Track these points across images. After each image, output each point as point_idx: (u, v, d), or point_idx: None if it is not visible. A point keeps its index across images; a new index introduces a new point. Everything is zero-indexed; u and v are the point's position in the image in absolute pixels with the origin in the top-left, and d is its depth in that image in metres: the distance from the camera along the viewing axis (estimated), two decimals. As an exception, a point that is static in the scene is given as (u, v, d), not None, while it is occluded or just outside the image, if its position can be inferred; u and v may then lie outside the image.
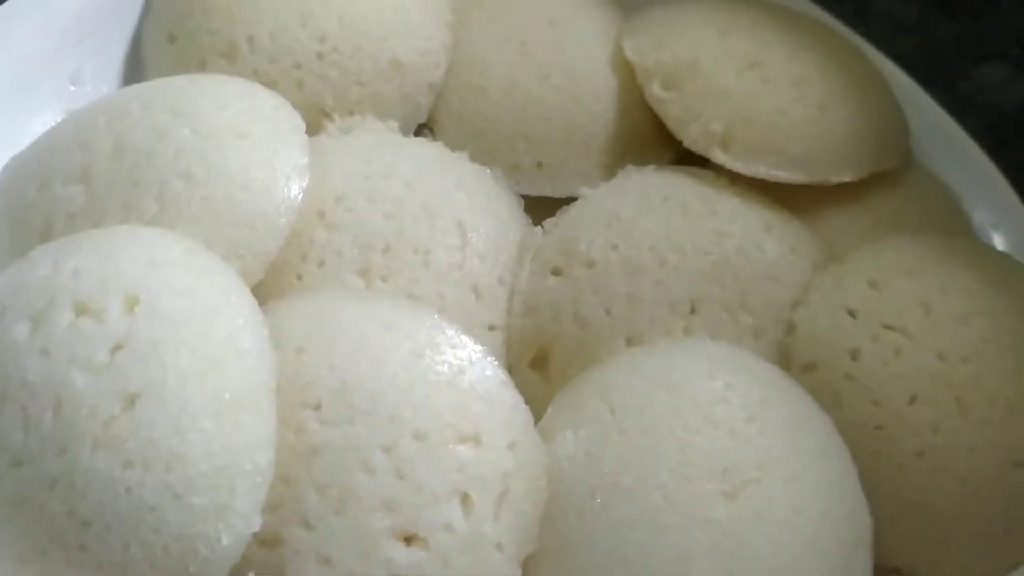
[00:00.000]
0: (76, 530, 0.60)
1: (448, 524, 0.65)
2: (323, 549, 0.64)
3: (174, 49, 0.87)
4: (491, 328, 0.78)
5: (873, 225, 0.86)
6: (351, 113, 0.86)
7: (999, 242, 0.90)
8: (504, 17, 0.92)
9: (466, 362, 0.69)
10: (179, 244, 0.68)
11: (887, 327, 0.77)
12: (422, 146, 0.85)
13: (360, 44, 0.86)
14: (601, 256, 0.80)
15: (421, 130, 0.90)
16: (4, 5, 0.84)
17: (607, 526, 0.67)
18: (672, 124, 0.86)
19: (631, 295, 0.78)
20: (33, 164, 0.78)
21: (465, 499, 0.66)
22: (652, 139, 0.88)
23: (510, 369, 0.78)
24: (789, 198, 0.85)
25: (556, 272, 0.80)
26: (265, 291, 0.72)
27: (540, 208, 0.86)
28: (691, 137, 0.85)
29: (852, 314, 0.79)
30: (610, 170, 0.87)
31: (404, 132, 0.87)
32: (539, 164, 0.87)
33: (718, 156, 0.84)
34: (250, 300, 0.67)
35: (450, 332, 0.70)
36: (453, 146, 0.86)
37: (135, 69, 0.90)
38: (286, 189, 0.74)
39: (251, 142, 0.75)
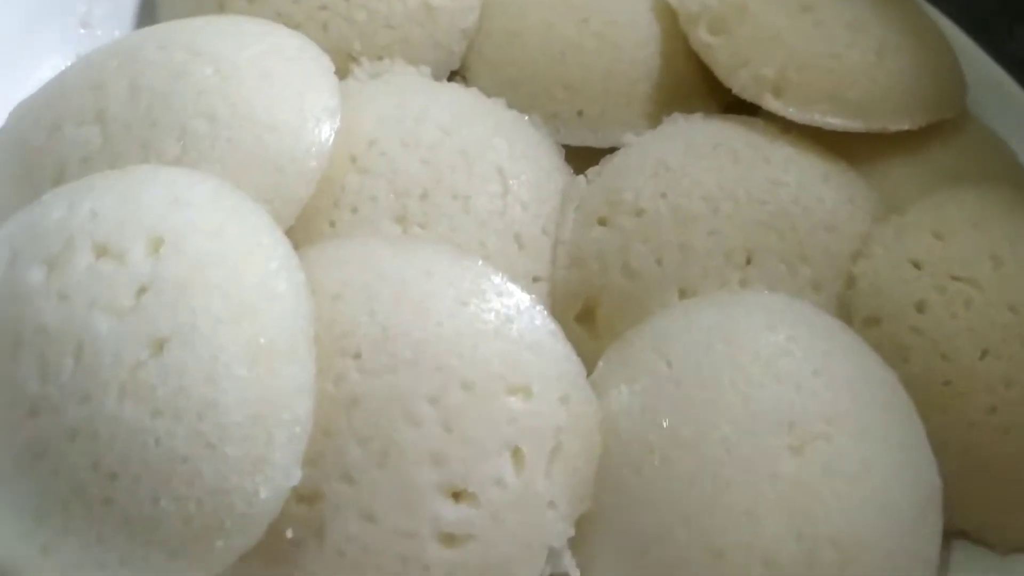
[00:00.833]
0: (101, 483, 0.57)
1: (499, 479, 0.62)
2: (366, 504, 0.61)
3: (189, -11, 0.83)
4: (535, 280, 0.74)
5: (931, 176, 0.82)
6: (380, 58, 0.82)
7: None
8: (540, -41, 0.88)
9: (514, 311, 0.66)
10: (205, 183, 0.64)
11: (955, 278, 0.74)
12: (456, 91, 0.82)
13: (389, -16, 0.82)
14: (650, 205, 0.76)
15: (453, 78, 0.87)
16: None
17: (666, 482, 0.64)
18: (720, 71, 0.82)
19: (683, 245, 0.74)
20: (42, 108, 0.74)
21: (516, 453, 0.63)
22: (698, 87, 0.85)
23: (554, 324, 0.74)
24: (844, 148, 0.81)
25: (602, 222, 0.77)
26: (296, 239, 0.68)
27: (581, 158, 0.82)
28: (741, 84, 0.81)
29: (917, 265, 0.75)
30: (654, 120, 0.83)
31: (436, 79, 0.84)
32: (579, 113, 0.83)
33: (770, 103, 0.80)
34: (284, 241, 0.63)
35: (496, 279, 0.67)
36: (488, 94, 0.82)
37: (147, 12, 0.87)
38: (316, 131, 0.70)
39: (277, 82, 0.71)
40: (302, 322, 0.60)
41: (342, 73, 0.78)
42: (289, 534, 0.61)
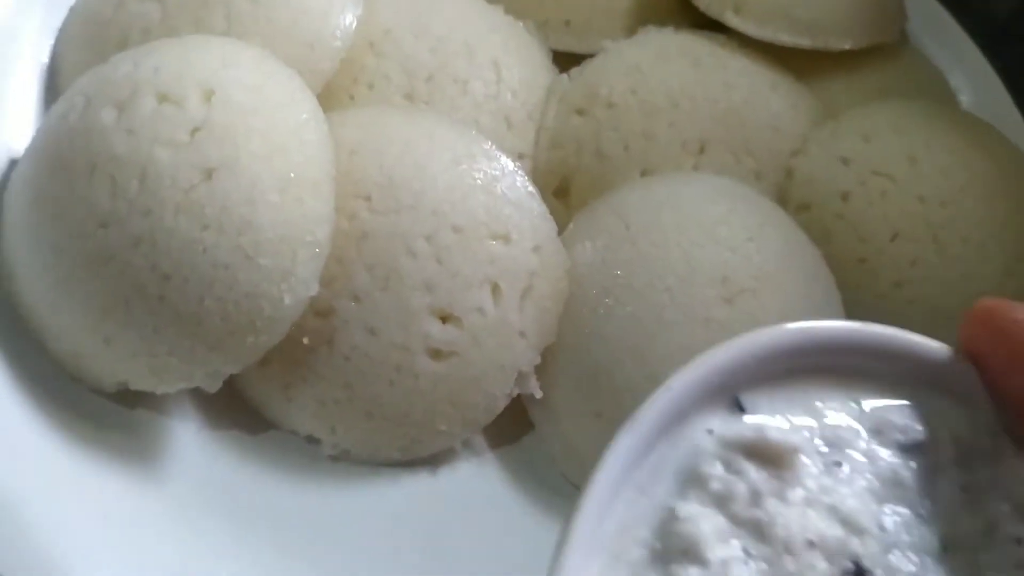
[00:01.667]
0: (157, 283, 0.68)
1: (479, 308, 0.74)
2: (369, 320, 0.73)
3: None
4: (520, 156, 0.86)
5: (867, 91, 0.94)
6: (396, -35, 0.93)
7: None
8: None
9: (499, 173, 0.78)
10: (248, 50, 0.76)
11: (875, 173, 0.86)
12: (461, -5, 0.93)
13: None
14: (621, 100, 0.88)
15: (458, -14, 0.97)
16: None
17: (618, 321, 0.76)
18: (690, -10, 0.93)
19: (647, 133, 0.86)
20: (108, -15, 0.85)
21: (495, 288, 0.75)
22: (671, 5, 0.96)
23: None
24: (793, 62, 0.93)
25: (580, 112, 0.88)
26: (321, 108, 0.79)
27: (566, 62, 0.94)
28: (706, 2, 0.93)
29: (844, 162, 0.87)
30: (631, 31, 0.94)
31: (444, -15, 0.95)
32: (567, 22, 0.94)
33: (731, 19, 0.92)
34: (312, 99, 0.75)
35: (486, 146, 0.79)
36: (489, 1, 0.94)
37: None
38: (342, 16, 0.81)
39: (311, -26, 0.82)
40: (325, 164, 0.72)
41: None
42: (305, 341, 0.73)
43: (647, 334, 0.75)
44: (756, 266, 0.77)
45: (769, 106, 0.89)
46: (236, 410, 0.76)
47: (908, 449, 0.48)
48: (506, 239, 0.75)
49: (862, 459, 0.48)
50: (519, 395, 0.76)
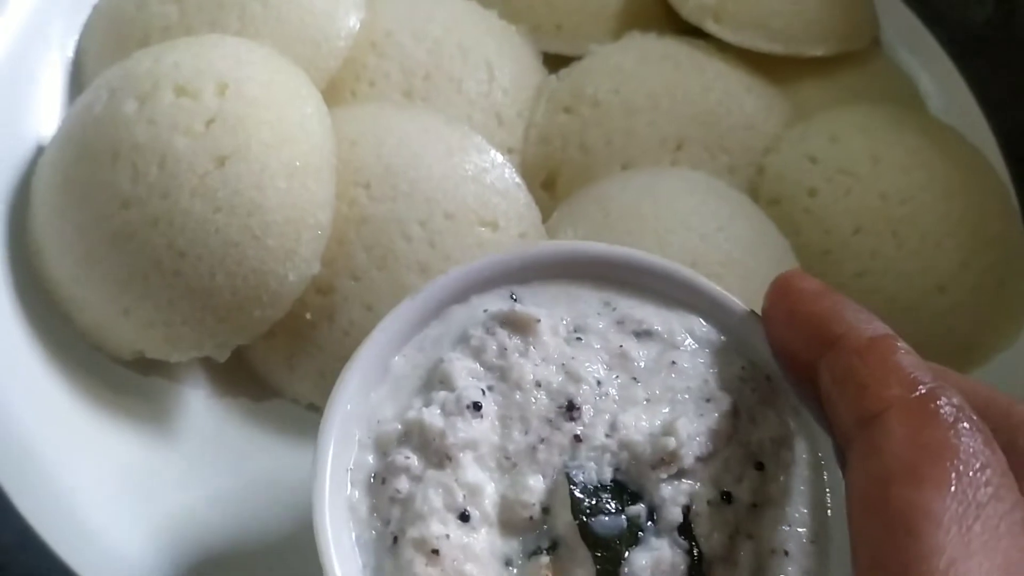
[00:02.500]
0: (173, 259, 0.75)
1: (468, 287, 0.80)
2: (367, 297, 0.80)
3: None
4: (510, 150, 0.92)
5: (838, 95, 1.00)
6: (398, -31, 0.99)
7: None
8: None
9: (489, 165, 0.84)
10: (260, 49, 0.82)
11: (841, 171, 0.92)
12: (458, 1, 0.99)
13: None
14: (605, 98, 0.94)
15: (456, -9, 1.04)
16: None
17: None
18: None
19: (628, 130, 0.92)
20: (131, -14, 0.91)
21: (483, 270, 0.81)
22: (655, 12, 1.02)
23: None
24: (769, 67, 0.99)
25: (566, 110, 0.95)
26: (325, 103, 0.85)
27: (555, 64, 1.00)
28: (688, 10, 0.99)
29: (813, 160, 0.93)
30: (616, 36, 1.01)
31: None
32: (558, 26, 1.01)
33: (710, 27, 0.98)
34: (317, 95, 0.81)
35: (478, 140, 0.85)
36: (484, 6, 1.00)
37: None
38: (346, 18, 0.88)
39: (318, -22, 0.89)
40: (328, 155, 0.78)
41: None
42: (308, 316, 0.80)
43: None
44: (724, 253, 0.84)
45: (743, 107, 0.95)
46: (243, 379, 0.83)
47: (640, 335, 0.65)
48: (494, 226, 0.82)
49: (599, 338, 0.64)
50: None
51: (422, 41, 0.92)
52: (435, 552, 0.56)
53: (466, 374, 0.62)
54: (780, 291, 0.60)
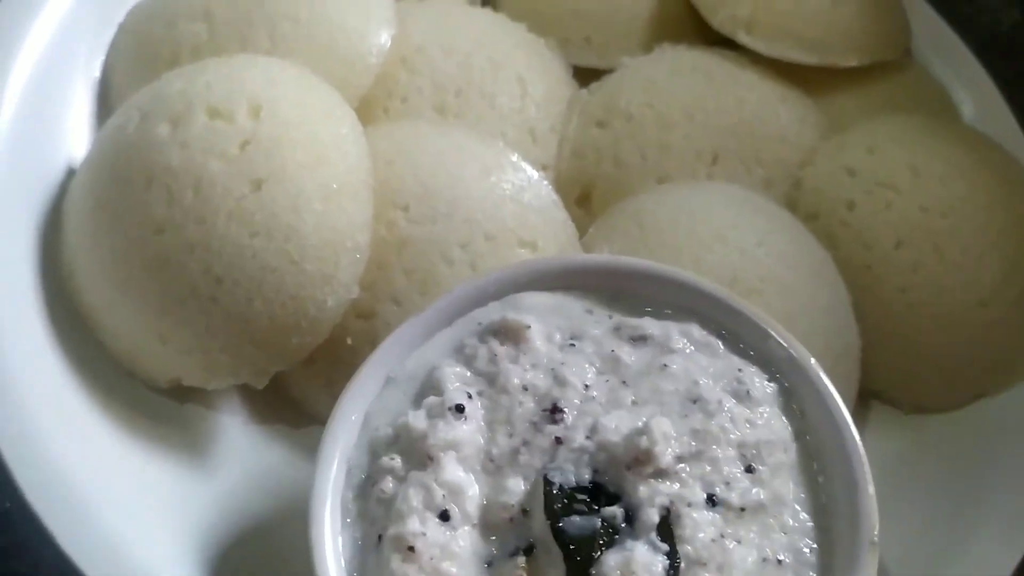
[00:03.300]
0: (210, 285, 0.73)
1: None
2: (408, 321, 0.78)
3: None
4: (544, 167, 0.91)
5: (872, 105, 0.99)
6: (426, -15, 0.98)
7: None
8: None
9: (526, 183, 0.83)
10: (292, 68, 0.81)
11: (880, 184, 0.91)
12: (487, 14, 0.99)
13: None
14: (638, 112, 0.93)
15: (485, 5, 1.03)
16: None
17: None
18: (704, 10, 0.99)
19: (663, 144, 0.91)
20: (158, 7, 0.90)
21: (524, 291, 0.80)
22: (686, 24, 1.01)
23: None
24: (802, 78, 0.98)
25: (600, 124, 0.94)
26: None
27: (585, 77, 0.99)
28: (720, 21, 0.98)
29: (851, 173, 0.92)
30: (647, 48, 1.00)
31: (470, 4, 1.00)
32: (587, 39, 1.00)
33: (743, 38, 0.97)
34: (352, 114, 0.80)
35: (513, 158, 0.84)
36: (513, 20, 0.99)
37: None
38: (377, 35, 0.87)
39: (347, -5, 0.88)
40: (364, 175, 0.77)
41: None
42: (349, 341, 0.79)
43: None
44: (764, 268, 0.83)
45: (778, 119, 0.94)
46: (281, 405, 0.81)
47: (635, 340, 0.68)
48: (533, 246, 0.81)
49: (593, 343, 0.67)
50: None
51: (452, 55, 0.91)
52: (411, 549, 0.59)
53: (455, 379, 0.66)
54: None
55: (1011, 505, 0.82)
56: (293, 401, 0.81)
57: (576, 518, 0.60)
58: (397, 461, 0.63)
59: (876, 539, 0.62)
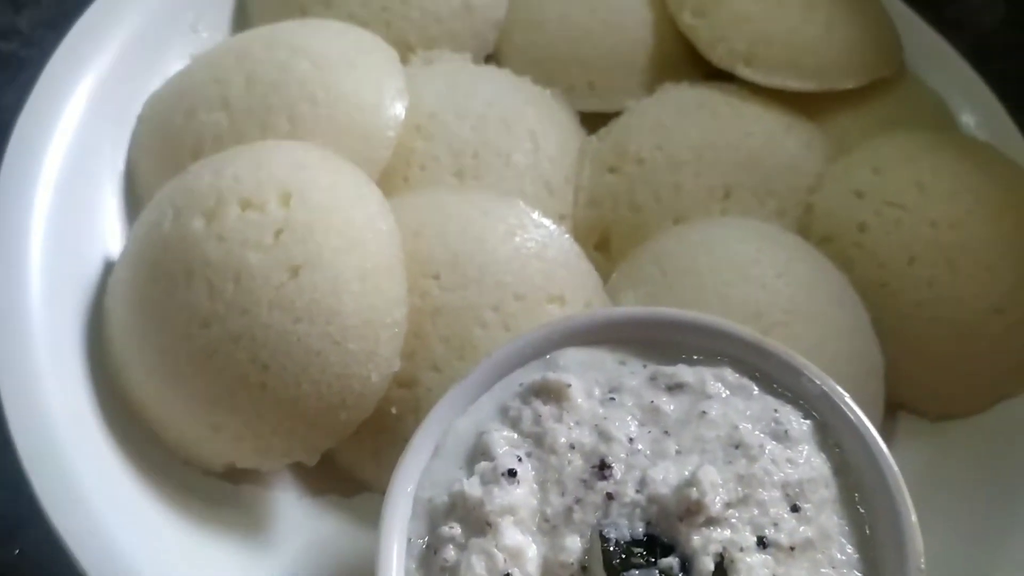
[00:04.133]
0: (258, 373, 0.76)
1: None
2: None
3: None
4: (561, 217, 0.94)
5: (873, 123, 1.02)
6: (431, 48, 1.01)
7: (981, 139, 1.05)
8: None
9: (548, 238, 0.86)
10: (315, 151, 0.83)
11: (888, 203, 0.93)
12: (494, 72, 1.01)
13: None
14: (649, 155, 0.96)
15: (487, 61, 1.06)
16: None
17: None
18: (702, 46, 1.02)
19: (676, 184, 0.94)
20: (175, 97, 0.92)
21: (556, 347, 0.83)
22: (685, 60, 1.04)
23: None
24: (803, 104, 1.01)
25: (612, 170, 0.96)
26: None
27: (592, 121, 1.02)
28: (719, 56, 1.01)
29: (859, 195, 0.95)
30: (650, 88, 1.02)
31: (475, 63, 1.03)
32: (590, 84, 1.02)
33: (743, 71, 0.99)
34: (378, 191, 0.82)
35: (534, 216, 0.86)
36: (517, 73, 1.01)
37: (241, 18, 1.05)
38: (392, 108, 0.89)
39: (360, 71, 0.90)
40: (396, 251, 0.80)
41: (402, 60, 0.97)
42: (393, 411, 0.81)
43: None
44: (786, 299, 0.86)
45: (785, 148, 0.96)
46: (330, 476, 0.83)
47: (672, 389, 0.70)
48: (562, 300, 0.83)
49: (632, 395, 0.69)
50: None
51: (466, 118, 0.94)
52: None
53: (504, 443, 0.68)
54: None
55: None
56: (342, 471, 0.84)
57: (636, 572, 0.62)
58: (457, 529, 0.65)
59: (923, 566, 0.65)
